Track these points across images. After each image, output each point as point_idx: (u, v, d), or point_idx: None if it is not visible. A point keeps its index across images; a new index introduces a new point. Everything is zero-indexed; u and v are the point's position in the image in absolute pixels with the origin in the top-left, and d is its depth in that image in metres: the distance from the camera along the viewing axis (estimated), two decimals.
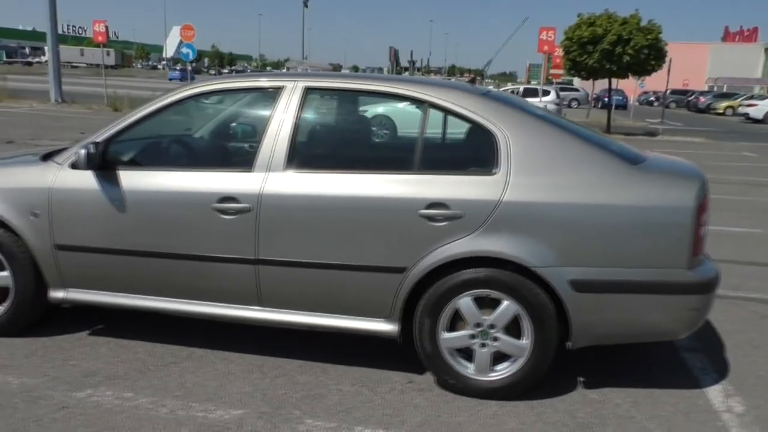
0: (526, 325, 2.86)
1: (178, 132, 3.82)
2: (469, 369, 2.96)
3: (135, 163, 3.26)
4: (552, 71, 26.10)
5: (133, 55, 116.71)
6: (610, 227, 2.76)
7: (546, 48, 19.63)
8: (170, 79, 57.96)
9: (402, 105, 3.30)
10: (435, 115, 3.10)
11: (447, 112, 3.01)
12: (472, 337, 2.92)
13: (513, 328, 2.90)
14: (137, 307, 3.26)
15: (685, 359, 3.49)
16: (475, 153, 3.03)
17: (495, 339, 2.90)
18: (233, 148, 3.64)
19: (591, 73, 18.69)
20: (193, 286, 3.15)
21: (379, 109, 5.29)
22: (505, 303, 2.85)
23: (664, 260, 2.75)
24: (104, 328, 3.58)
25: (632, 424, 2.79)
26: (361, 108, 3.76)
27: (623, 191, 2.79)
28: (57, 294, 3.32)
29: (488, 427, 2.73)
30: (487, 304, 2.89)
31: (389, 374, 3.18)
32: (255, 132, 3.30)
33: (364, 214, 2.89)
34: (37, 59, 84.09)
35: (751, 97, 34.39)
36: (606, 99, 24.00)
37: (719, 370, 3.36)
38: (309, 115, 3.16)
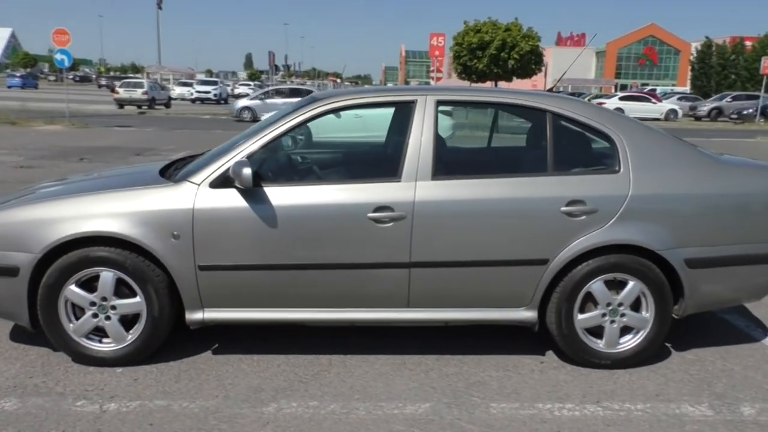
0: (648, 301, 3.35)
1: (300, 146, 3.87)
2: (599, 344, 3.40)
3: (279, 179, 3.32)
4: (432, 74, 27.38)
5: None
6: (712, 211, 3.34)
7: (437, 53, 20.67)
8: (9, 87, 52.63)
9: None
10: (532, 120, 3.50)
11: (568, 120, 3.43)
12: (603, 315, 3.36)
13: (634, 305, 3.38)
14: (282, 321, 3.33)
15: (729, 320, 4.18)
16: (597, 154, 3.47)
17: (623, 315, 3.37)
18: (373, 160, 3.77)
19: (480, 77, 19.98)
20: (344, 294, 3.29)
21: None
22: (631, 283, 3.33)
23: (757, 236, 3.37)
24: (222, 347, 3.57)
25: (736, 374, 3.38)
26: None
27: (718, 181, 3.38)
28: (194, 316, 3.29)
29: (635, 390, 3.18)
30: (615, 285, 3.34)
31: (519, 358, 3.53)
32: (393, 143, 3.49)
33: (511, 213, 3.23)
34: None
35: (598, 96, 38.33)
36: None
37: (761, 325, 4.09)
38: (443, 125, 3.41)
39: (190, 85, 42.82)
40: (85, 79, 76.24)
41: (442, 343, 3.69)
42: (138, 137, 16.84)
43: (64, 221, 3.15)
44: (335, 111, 3.42)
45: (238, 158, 3.21)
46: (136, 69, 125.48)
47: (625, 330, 3.41)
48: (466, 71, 20.02)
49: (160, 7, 60.74)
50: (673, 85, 69.36)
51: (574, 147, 3.47)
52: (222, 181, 3.20)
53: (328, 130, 15.71)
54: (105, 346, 3.29)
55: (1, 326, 3.76)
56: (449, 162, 3.38)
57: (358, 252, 3.22)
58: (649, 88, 52.52)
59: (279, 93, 24.12)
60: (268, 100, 23.50)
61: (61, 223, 3.14)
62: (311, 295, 3.29)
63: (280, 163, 3.49)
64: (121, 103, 28.66)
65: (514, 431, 2.78)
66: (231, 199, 3.18)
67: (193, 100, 38.84)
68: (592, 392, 3.16)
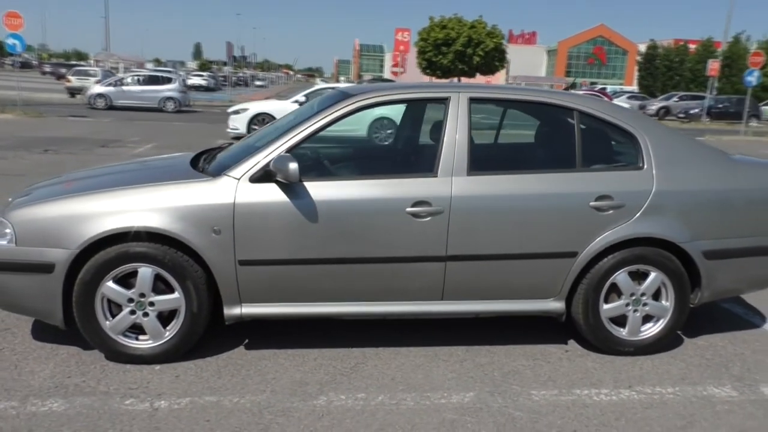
0: (669, 291, 3.53)
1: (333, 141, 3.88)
2: (623, 332, 3.56)
3: (318, 174, 3.34)
4: (393, 69, 27.52)
5: None
6: (726, 206, 3.54)
7: (402, 48, 20.76)
8: None
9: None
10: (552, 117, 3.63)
11: (593, 118, 3.56)
12: (627, 305, 3.53)
13: (655, 294, 3.55)
14: (320, 315, 3.36)
15: (728, 308, 4.42)
16: (621, 151, 3.62)
17: (645, 305, 3.54)
18: (407, 155, 3.81)
19: (445, 72, 20.18)
20: (381, 288, 3.34)
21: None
22: (653, 274, 3.50)
23: (765, 228, 3.59)
24: (254, 342, 3.57)
25: (748, 358, 3.60)
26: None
27: (731, 178, 3.59)
28: (233, 311, 3.28)
29: (661, 374, 3.36)
30: (637, 276, 3.51)
31: (544, 347, 3.67)
32: (427, 139, 3.55)
33: (543, 208, 3.35)
34: None
35: None
36: None
37: (758, 312, 4.35)
38: (476, 122, 3.50)
39: None
40: (25, 65, 72.97)
41: (468, 333, 3.78)
42: (97, 128, 16.33)
43: (103, 216, 3.09)
44: (370, 107, 3.46)
45: (276, 153, 3.21)
46: (81, 56, 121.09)
47: (646, 318, 3.58)
48: (431, 66, 20.18)
49: None
50: (621, 84, 71.48)
51: (600, 144, 3.61)
52: (262, 176, 3.20)
53: None
54: (142, 344, 3.25)
55: (21, 325, 3.66)
56: (482, 158, 3.46)
57: (396, 246, 3.27)
58: (599, 87, 54.00)
59: (136, 80, 23.76)
60: (125, 88, 23.11)
61: (99, 218, 3.09)
62: (348, 289, 3.33)
63: (317, 159, 3.50)
64: (73, 92, 27.64)
65: (560, 416, 2.90)
66: (272, 193, 3.19)
67: None
68: (622, 378, 3.31)
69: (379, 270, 3.30)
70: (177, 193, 3.16)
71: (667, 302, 3.55)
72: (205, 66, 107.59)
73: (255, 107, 15.33)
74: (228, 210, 3.15)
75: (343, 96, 3.49)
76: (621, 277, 3.48)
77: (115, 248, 3.10)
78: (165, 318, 3.26)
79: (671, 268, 3.49)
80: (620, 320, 3.57)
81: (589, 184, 3.40)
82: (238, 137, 15.31)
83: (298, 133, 3.31)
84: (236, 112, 15.31)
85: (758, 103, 31.22)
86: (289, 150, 3.26)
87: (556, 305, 3.50)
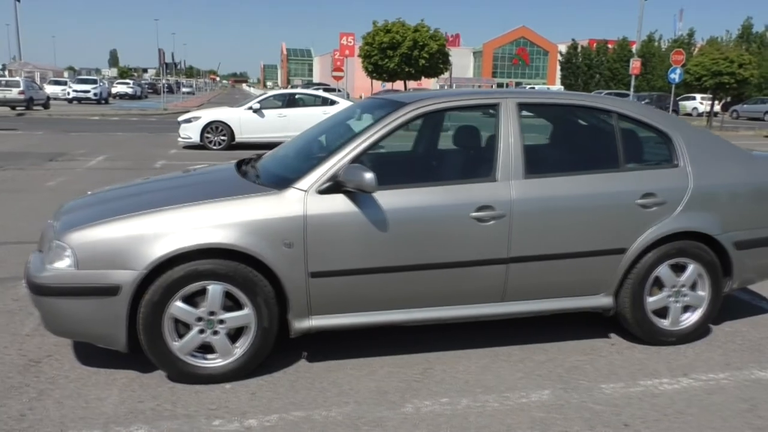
0: (705, 281, 3.75)
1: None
2: (665, 323, 3.75)
3: (383, 182, 3.33)
4: (334, 74, 27.44)
5: None
6: (752, 199, 3.80)
7: (347, 52, 20.78)
8: None
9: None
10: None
11: (630, 119, 3.74)
12: (669, 297, 3.72)
13: (692, 285, 3.76)
14: (387, 323, 3.37)
15: (736, 295, 4.72)
16: (659, 151, 3.80)
17: (684, 296, 3.74)
18: (465, 160, 3.83)
19: (391, 76, 20.37)
20: (445, 292, 3.39)
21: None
22: (691, 266, 3.71)
23: None
24: (313, 355, 3.52)
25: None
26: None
27: (754, 172, 3.86)
28: (302, 324, 3.24)
29: (707, 361, 3.57)
30: (677, 269, 3.71)
31: (591, 342, 3.81)
32: (481, 144, 3.62)
33: (595, 208, 3.49)
34: None
35: None
36: None
37: (763, 298, 4.67)
38: (525, 127, 3.59)
39: (64, 83, 39.74)
40: None
41: (513, 332, 3.87)
42: (33, 141, 15.53)
43: (170, 235, 2.99)
44: (427, 114, 3.49)
45: (340, 164, 3.19)
46: None
47: (685, 309, 3.79)
48: (377, 70, 20.30)
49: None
50: (544, 83, 74.16)
51: (638, 144, 3.79)
52: (330, 187, 3.18)
53: (252, 130, 15.42)
54: (212, 363, 3.16)
55: (62, 351, 3.47)
56: (537, 161, 3.56)
57: (461, 250, 3.33)
58: (529, 86, 55.84)
59: None
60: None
61: (166, 236, 2.98)
62: (415, 296, 3.36)
63: (380, 167, 3.50)
64: None
65: (638, 408, 3.03)
66: (341, 204, 3.18)
67: (70, 100, 36.12)
68: (674, 367, 3.49)
69: (445, 275, 3.34)
70: (246, 207, 3.09)
71: (703, 292, 3.77)
72: (126, 73, 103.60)
73: (208, 115, 14.96)
74: (299, 222, 3.11)
75: (398, 105, 3.50)
76: (663, 270, 3.66)
77: (183, 267, 3.00)
78: (231, 336, 3.18)
79: (707, 259, 3.70)
80: (662, 312, 3.75)
81: (634, 183, 3.57)
82: (190, 146, 14.92)
83: (360, 143, 3.31)
84: (188, 121, 14.89)
85: (675, 98, 33.14)
86: (353, 161, 3.25)
87: (606, 301, 3.65)
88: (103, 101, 37.18)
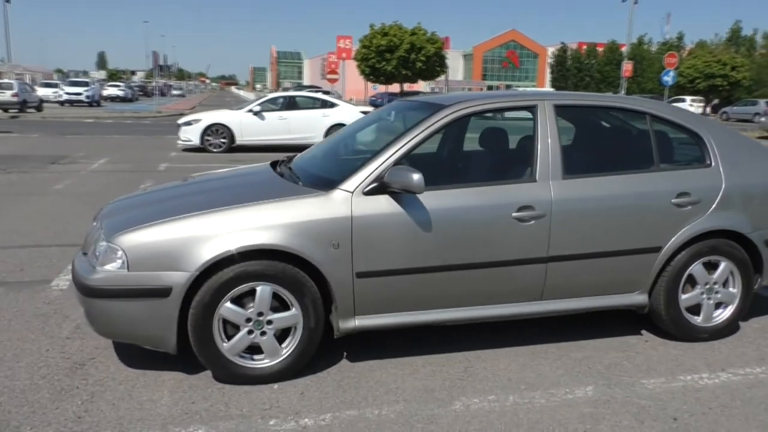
0: (736, 278, 3.82)
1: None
2: (697, 320, 3.81)
3: (425, 183, 3.36)
4: (328, 76, 27.48)
5: None
6: None
7: (344, 55, 20.82)
8: None
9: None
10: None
11: (663, 120, 3.80)
12: (702, 294, 3.78)
13: (724, 282, 3.82)
14: (429, 322, 3.40)
15: (760, 293, 4.79)
16: (691, 151, 3.87)
17: (717, 293, 3.81)
18: (504, 161, 3.87)
19: (389, 78, 20.43)
20: (486, 292, 3.43)
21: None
22: (723, 264, 3.77)
23: None
24: (354, 355, 3.55)
25: None
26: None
27: None
28: (347, 324, 3.27)
29: (742, 356, 3.63)
30: (709, 266, 3.77)
31: (624, 339, 3.87)
32: (519, 145, 3.67)
33: (631, 207, 3.55)
34: None
35: None
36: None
37: None
38: (563, 128, 3.64)
39: (55, 86, 39.47)
40: None
41: (546, 331, 3.92)
42: (31, 143, 15.44)
43: (220, 236, 3.01)
44: (467, 117, 3.54)
45: (385, 166, 3.23)
46: None
47: (717, 306, 3.85)
48: (375, 73, 20.35)
49: (8, 0, 54.97)
50: (534, 85, 74.58)
51: (671, 144, 3.85)
52: (376, 188, 3.21)
53: (253, 133, 15.39)
54: (259, 363, 3.18)
55: (105, 353, 3.48)
56: (575, 162, 3.61)
57: (503, 250, 3.37)
58: (521, 89, 56.15)
59: None
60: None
61: (216, 238, 3.00)
62: (456, 295, 3.39)
63: (421, 168, 3.53)
64: None
65: (683, 402, 3.09)
66: (386, 205, 3.21)
67: (62, 102, 35.87)
68: (711, 362, 3.55)
69: (486, 274, 3.38)
70: (294, 209, 3.12)
71: (735, 289, 3.84)
72: (115, 75, 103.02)
73: (208, 118, 14.93)
74: (346, 223, 3.14)
75: (437, 107, 3.54)
76: (697, 268, 3.73)
77: (233, 268, 3.02)
78: (278, 336, 3.20)
79: (739, 257, 3.77)
80: (695, 309, 3.81)
81: (668, 183, 3.63)
82: (190, 149, 14.89)
83: (403, 145, 3.34)
84: (188, 123, 14.86)
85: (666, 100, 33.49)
86: (397, 162, 3.28)
87: (640, 298, 3.71)
88: (95, 104, 36.96)
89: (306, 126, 15.32)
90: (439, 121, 3.44)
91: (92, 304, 3.03)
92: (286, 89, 58.27)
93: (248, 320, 3.11)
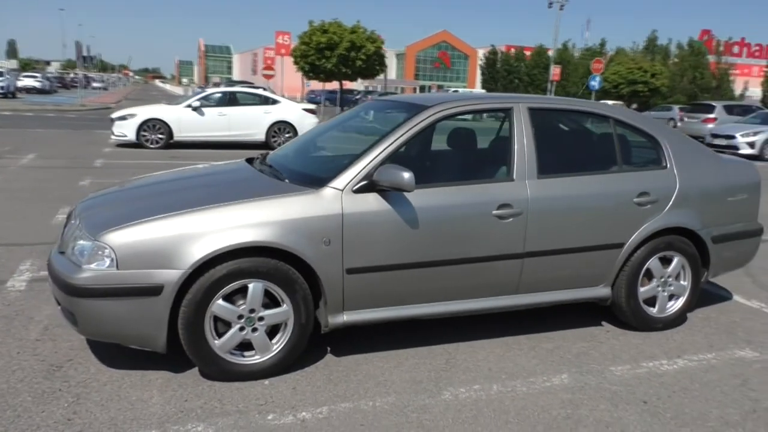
0: (687, 272, 4.14)
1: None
2: (653, 311, 4.11)
3: None
4: (264, 72, 27.11)
5: None
6: (722, 198, 4.22)
7: (283, 51, 20.62)
8: None
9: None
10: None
11: (624, 125, 4.07)
12: (658, 287, 4.08)
13: (677, 276, 4.14)
14: (413, 316, 3.50)
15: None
16: (648, 154, 4.15)
17: (670, 285, 4.11)
18: (481, 160, 3.99)
19: (328, 76, 20.41)
20: (467, 286, 3.57)
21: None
22: (676, 259, 4.09)
23: (746, 216, 4.33)
24: (337, 350, 3.61)
25: (740, 324, 4.33)
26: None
27: (723, 174, 4.28)
28: (336, 319, 3.33)
29: (694, 343, 3.94)
30: (664, 261, 4.07)
31: (588, 330, 4.11)
32: (496, 145, 3.83)
33: (599, 205, 3.79)
34: None
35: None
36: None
37: (721, 288, 5.16)
38: (536, 130, 3.82)
39: None
40: None
41: (515, 324, 4.11)
42: None
43: (213, 233, 3.01)
44: (449, 117, 3.66)
45: (372, 165, 3.31)
46: None
47: (670, 297, 4.16)
48: (314, 70, 20.27)
49: None
50: (465, 86, 76.10)
51: (631, 147, 4.12)
52: (365, 186, 3.29)
53: (192, 129, 15.07)
54: (250, 360, 3.20)
55: (83, 354, 3.39)
56: (547, 163, 3.79)
57: (484, 246, 3.53)
58: (452, 89, 57.12)
59: None
60: None
61: (209, 235, 3.00)
62: (439, 290, 3.52)
63: (407, 167, 3.63)
64: None
65: (649, 386, 3.33)
66: (374, 202, 3.29)
67: None
68: (668, 350, 3.84)
69: (469, 270, 3.53)
70: (285, 206, 3.15)
71: (685, 282, 4.16)
72: (28, 65, 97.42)
73: (144, 113, 14.47)
74: (337, 220, 3.20)
75: (420, 108, 3.64)
76: (653, 263, 4.01)
77: (225, 265, 3.03)
78: (268, 333, 3.23)
79: (690, 252, 4.09)
80: (650, 301, 4.10)
81: (631, 183, 3.89)
82: (125, 144, 14.39)
83: (389, 144, 3.43)
84: (122, 118, 14.35)
85: None
86: (384, 161, 3.37)
87: (605, 291, 3.96)
88: (10, 95, 34.89)
89: (247, 123, 15.11)
90: (423, 121, 3.55)
91: (78, 303, 2.96)
92: (216, 84, 56.90)
93: (240, 317, 3.12)
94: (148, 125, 14.28)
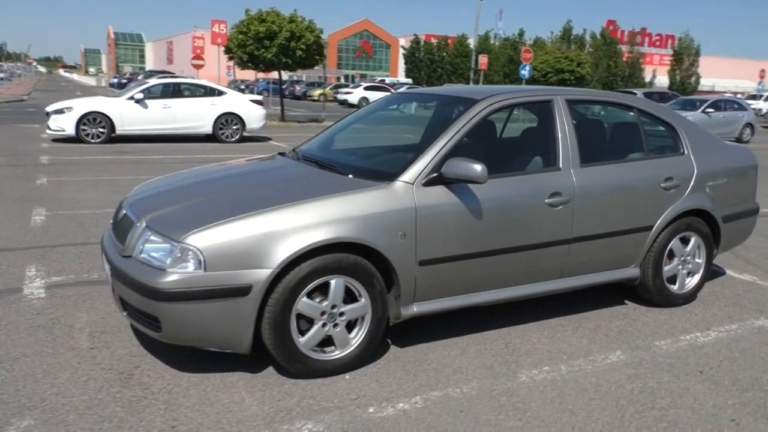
0: (702, 250, 4.46)
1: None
2: (674, 288, 4.40)
3: None
4: (193, 62, 26.28)
5: None
6: (728, 180, 4.57)
7: (219, 40, 20.03)
8: None
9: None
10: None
11: (646, 114, 4.31)
12: (679, 265, 4.37)
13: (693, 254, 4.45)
14: (477, 304, 3.60)
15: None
16: (668, 142, 4.41)
17: (688, 263, 4.42)
18: (533, 151, 4.07)
19: (268, 66, 20.04)
20: (522, 272, 3.71)
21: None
22: (693, 238, 4.39)
23: (746, 196, 4.70)
24: (398, 342, 3.65)
25: (743, 297, 4.70)
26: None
27: (728, 158, 4.63)
28: (407, 311, 3.38)
29: (715, 316, 4.25)
30: (683, 241, 4.37)
31: (616, 309, 4.35)
32: (542, 136, 3.96)
33: (634, 191, 4.02)
34: None
35: (347, 86, 40.78)
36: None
37: (715, 264, 5.57)
38: (575, 121, 3.99)
39: None
40: None
41: (549, 306, 4.29)
42: None
43: (296, 231, 2.98)
44: (499, 110, 3.76)
45: (438, 159, 3.38)
46: None
47: (687, 274, 4.46)
48: (253, 60, 19.79)
49: None
50: (387, 75, 76.48)
51: (654, 135, 4.38)
52: (434, 180, 3.35)
53: (135, 122, 14.63)
54: (332, 355, 3.19)
55: (150, 361, 3.28)
56: (587, 152, 3.96)
57: (538, 233, 3.67)
58: (379, 79, 57.28)
59: None
60: None
61: (293, 233, 2.97)
62: (498, 277, 3.64)
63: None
64: None
65: (696, 357, 3.59)
66: (442, 195, 3.36)
67: None
68: (696, 323, 4.13)
69: (525, 256, 3.66)
70: (361, 201, 3.16)
71: (700, 260, 4.47)
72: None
73: (82, 106, 13.73)
74: (411, 214, 3.24)
75: (471, 101, 3.73)
76: (675, 243, 4.30)
77: (310, 262, 3.01)
78: (347, 327, 3.24)
79: (705, 232, 4.41)
80: (672, 279, 4.39)
81: (657, 169, 4.14)
82: (63, 139, 13.61)
83: (450, 138, 3.50)
84: (59, 112, 13.56)
85: None
86: (447, 156, 3.43)
87: (635, 271, 4.20)
88: None
89: (193, 115, 14.66)
90: (478, 114, 3.63)
91: (164, 308, 2.86)
92: (133, 74, 54.41)
93: (323, 313, 3.11)
94: (88, 119, 13.58)
